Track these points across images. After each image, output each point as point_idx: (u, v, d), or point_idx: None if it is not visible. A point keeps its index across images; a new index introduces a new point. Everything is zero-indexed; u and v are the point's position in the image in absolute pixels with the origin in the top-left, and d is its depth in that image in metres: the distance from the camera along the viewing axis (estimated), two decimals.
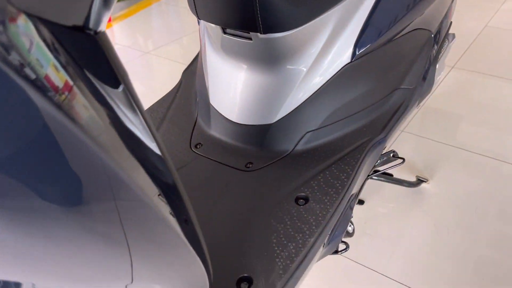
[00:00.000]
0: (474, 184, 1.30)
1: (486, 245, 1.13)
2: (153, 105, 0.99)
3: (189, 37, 2.34)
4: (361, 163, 0.80)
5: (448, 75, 1.86)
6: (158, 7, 2.76)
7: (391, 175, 1.24)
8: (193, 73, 1.03)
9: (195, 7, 0.78)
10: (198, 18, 0.80)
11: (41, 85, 0.26)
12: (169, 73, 2.03)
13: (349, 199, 0.80)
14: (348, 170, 0.79)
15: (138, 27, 2.53)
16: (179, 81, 1.04)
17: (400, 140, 1.50)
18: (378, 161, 0.95)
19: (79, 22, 0.28)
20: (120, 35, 2.46)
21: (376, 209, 1.26)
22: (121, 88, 0.33)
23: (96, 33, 0.30)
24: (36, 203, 0.30)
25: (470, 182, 1.31)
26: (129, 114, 0.34)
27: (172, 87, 1.04)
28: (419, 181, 1.29)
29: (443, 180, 1.33)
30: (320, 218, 0.72)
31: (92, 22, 0.29)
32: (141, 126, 0.36)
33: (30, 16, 0.25)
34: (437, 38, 0.97)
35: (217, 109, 0.88)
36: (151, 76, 2.06)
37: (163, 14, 2.73)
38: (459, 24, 2.25)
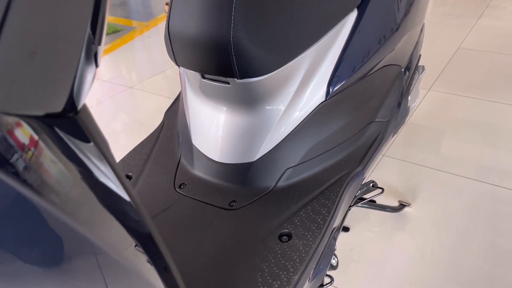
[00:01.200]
0: (455, 206, 1.34)
1: (469, 264, 1.16)
2: (136, 146, 1.01)
3: (173, 70, 2.38)
4: (341, 196, 0.83)
5: (425, 97, 1.92)
6: (141, 40, 2.81)
7: (374, 201, 1.27)
8: (175, 113, 1.05)
9: (173, 54, 0.81)
10: (177, 65, 0.83)
11: (8, 144, 0.27)
12: (153, 107, 2.05)
13: (331, 232, 0.82)
14: (329, 204, 0.81)
15: (121, 61, 2.57)
16: (162, 121, 1.06)
17: (381, 164, 1.53)
18: (359, 192, 0.97)
19: (58, 108, 0.30)
20: (104, 69, 2.49)
21: (361, 236, 1.29)
22: (91, 143, 0.34)
23: (77, 112, 0.32)
24: (16, 267, 0.31)
25: (450, 204, 1.35)
26: (100, 167, 0.36)
27: (156, 125, 1.06)
28: (402, 205, 1.32)
29: (425, 203, 1.36)
30: (303, 255, 0.73)
31: (72, 105, 0.31)
32: (112, 178, 0.37)
33: (11, 115, 0.27)
34: (408, 72, 1.02)
35: (199, 149, 0.90)
36: (135, 110, 2.08)
37: (147, 47, 2.77)
38: (432, 46, 2.33)
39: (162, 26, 2.97)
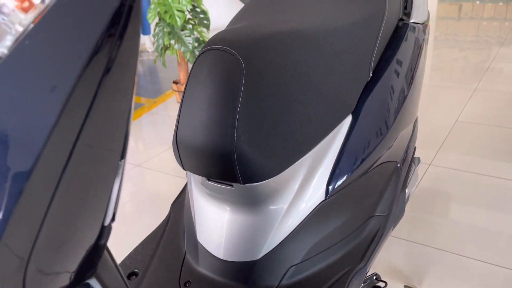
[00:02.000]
0: None
1: None
2: (143, 240, 1.03)
3: None
4: None
5: (426, 172, 1.95)
6: (150, 117, 2.92)
7: (379, 287, 1.26)
8: (181, 205, 1.09)
9: (180, 159, 0.87)
10: (184, 169, 0.88)
11: None
12: (161, 187, 2.09)
13: None
14: None
15: (130, 139, 2.66)
16: (168, 213, 1.10)
17: (386, 245, 1.53)
18: (362, 285, 0.98)
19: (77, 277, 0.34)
20: None
21: None
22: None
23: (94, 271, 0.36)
24: None
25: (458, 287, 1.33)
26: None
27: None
28: None
29: (432, 287, 1.34)
30: None
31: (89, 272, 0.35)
32: None
33: None
34: (404, 166, 1.06)
35: (204, 246, 0.93)
36: (143, 191, 2.12)
37: (155, 124, 2.88)
38: (430, 118, 2.41)
39: (169, 102, 3.10)
